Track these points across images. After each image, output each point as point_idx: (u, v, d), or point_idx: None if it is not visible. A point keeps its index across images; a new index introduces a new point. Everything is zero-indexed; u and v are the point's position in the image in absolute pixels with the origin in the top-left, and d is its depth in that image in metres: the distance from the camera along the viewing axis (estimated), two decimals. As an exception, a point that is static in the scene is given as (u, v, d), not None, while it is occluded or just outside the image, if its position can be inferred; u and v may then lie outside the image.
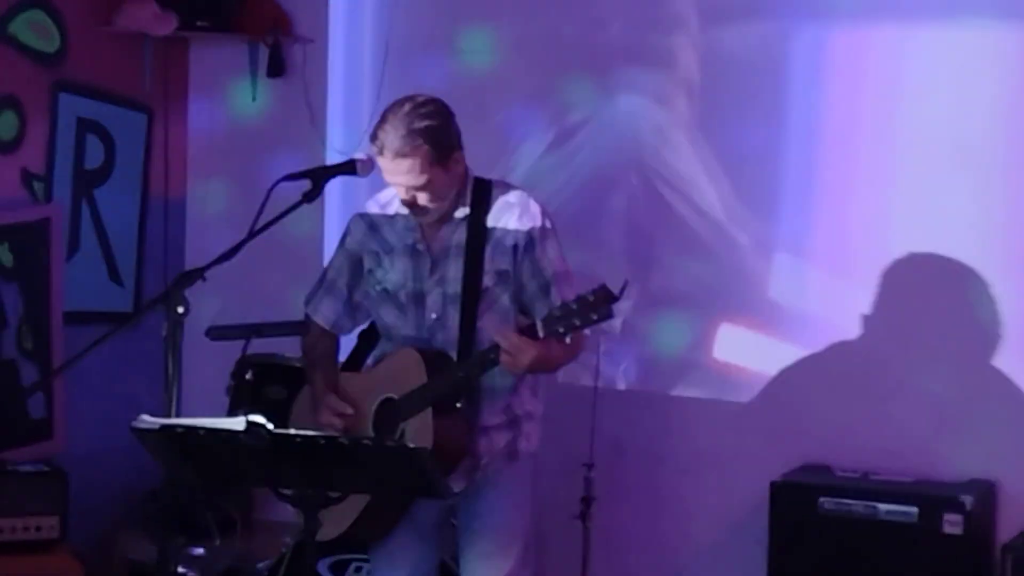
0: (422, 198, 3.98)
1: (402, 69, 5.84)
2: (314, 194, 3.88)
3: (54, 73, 5.80)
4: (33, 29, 5.71)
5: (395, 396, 4.02)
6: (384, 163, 3.94)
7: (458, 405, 3.96)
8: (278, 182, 3.82)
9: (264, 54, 6.12)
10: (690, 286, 5.49)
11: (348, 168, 4.01)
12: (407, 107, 3.95)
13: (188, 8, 5.99)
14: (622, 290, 3.71)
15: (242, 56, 6.18)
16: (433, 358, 4.01)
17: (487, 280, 4.03)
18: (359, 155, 4.05)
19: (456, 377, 3.95)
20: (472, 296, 4.02)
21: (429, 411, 3.93)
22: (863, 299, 5.21)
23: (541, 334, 3.80)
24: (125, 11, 5.95)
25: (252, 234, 3.75)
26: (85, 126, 5.94)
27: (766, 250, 5.39)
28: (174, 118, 6.31)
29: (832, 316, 5.27)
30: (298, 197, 3.85)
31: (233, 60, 6.20)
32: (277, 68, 6.10)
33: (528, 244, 4.04)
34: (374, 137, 3.95)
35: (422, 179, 3.93)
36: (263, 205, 3.73)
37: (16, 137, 5.69)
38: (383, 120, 3.95)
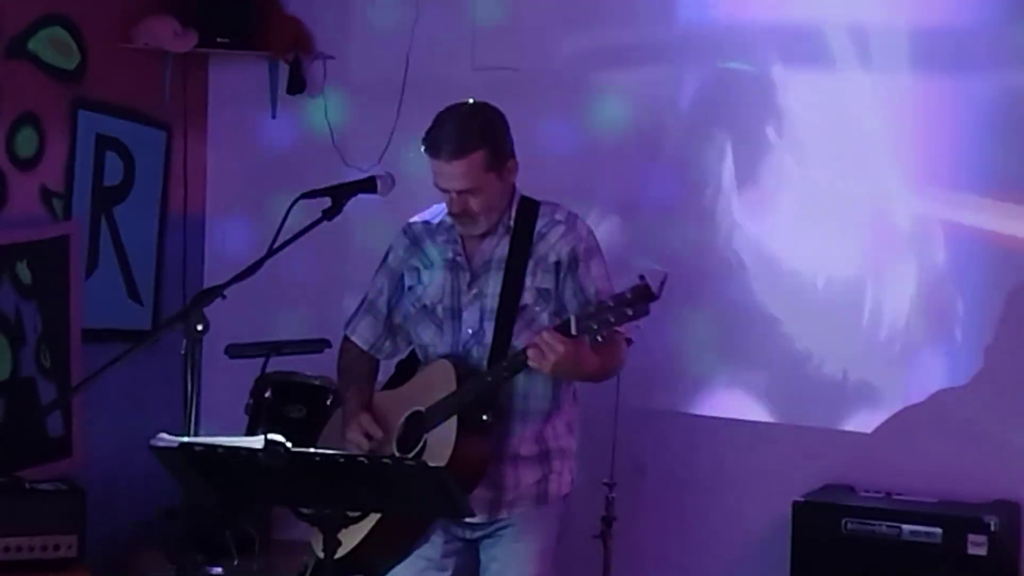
0: (473, 204, 3.93)
1: (422, 85, 5.82)
2: (334, 211, 3.86)
3: (73, 90, 5.81)
4: (53, 46, 5.71)
5: (423, 409, 3.98)
6: (438, 166, 3.90)
7: (484, 418, 3.89)
8: (298, 199, 3.80)
9: (284, 71, 6.12)
10: (710, 307, 5.48)
11: (368, 185, 3.98)
12: (464, 110, 3.95)
13: (208, 25, 6.00)
14: (661, 287, 3.59)
15: (262, 73, 6.18)
16: (465, 370, 3.95)
17: (527, 297, 3.97)
18: (379, 172, 4.03)
19: (484, 382, 3.89)
20: (509, 312, 3.95)
21: (454, 421, 3.87)
22: (882, 319, 5.19)
23: (574, 331, 3.70)
24: (145, 28, 5.95)
25: (271, 251, 3.74)
26: (104, 143, 5.94)
27: (783, 271, 5.39)
28: (193, 135, 6.31)
29: (851, 335, 5.25)
30: (318, 215, 3.83)
31: (253, 77, 6.21)
32: (297, 85, 6.10)
33: (572, 262, 3.98)
34: (428, 139, 3.91)
35: (475, 183, 3.89)
36: (283, 222, 3.72)
37: (35, 154, 5.68)
38: (439, 122, 3.93)
